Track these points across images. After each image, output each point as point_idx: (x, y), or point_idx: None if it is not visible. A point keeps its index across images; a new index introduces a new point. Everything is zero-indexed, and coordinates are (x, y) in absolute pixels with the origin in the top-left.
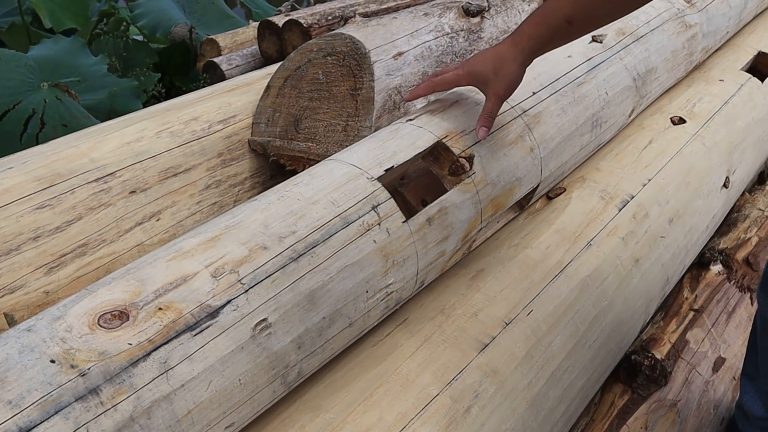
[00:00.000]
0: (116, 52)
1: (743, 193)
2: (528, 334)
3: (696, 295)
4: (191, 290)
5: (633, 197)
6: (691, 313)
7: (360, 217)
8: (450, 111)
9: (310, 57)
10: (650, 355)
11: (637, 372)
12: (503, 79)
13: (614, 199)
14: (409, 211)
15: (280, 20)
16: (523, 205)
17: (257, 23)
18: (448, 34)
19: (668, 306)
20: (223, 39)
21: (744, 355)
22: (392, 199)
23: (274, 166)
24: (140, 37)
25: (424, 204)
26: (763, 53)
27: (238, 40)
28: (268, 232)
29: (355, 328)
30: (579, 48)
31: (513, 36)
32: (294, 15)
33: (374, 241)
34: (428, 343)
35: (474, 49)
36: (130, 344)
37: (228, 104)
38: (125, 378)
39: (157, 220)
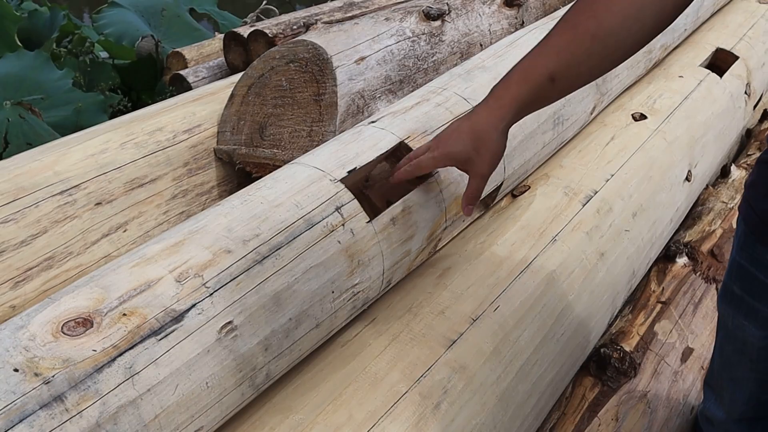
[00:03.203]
0: (80, 67)
1: (707, 186)
2: (495, 329)
3: (663, 288)
4: (155, 295)
5: (596, 192)
6: (659, 306)
7: (324, 219)
8: (412, 112)
9: (273, 64)
10: (619, 347)
11: (606, 365)
12: (486, 155)
13: (578, 194)
14: (374, 212)
15: (245, 31)
16: (488, 203)
17: (223, 35)
18: (409, 38)
19: (636, 300)
20: (189, 51)
21: (711, 347)
22: (356, 200)
23: (240, 174)
24: (105, 54)
25: (389, 205)
26: (722, 49)
27: (204, 53)
28: (231, 236)
29: (322, 329)
30: None
31: (488, 102)
32: (259, 26)
33: (339, 242)
34: (396, 341)
35: (436, 52)
36: (95, 350)
37: (192, 114)
38: (90, 384)
39: (124, 231)
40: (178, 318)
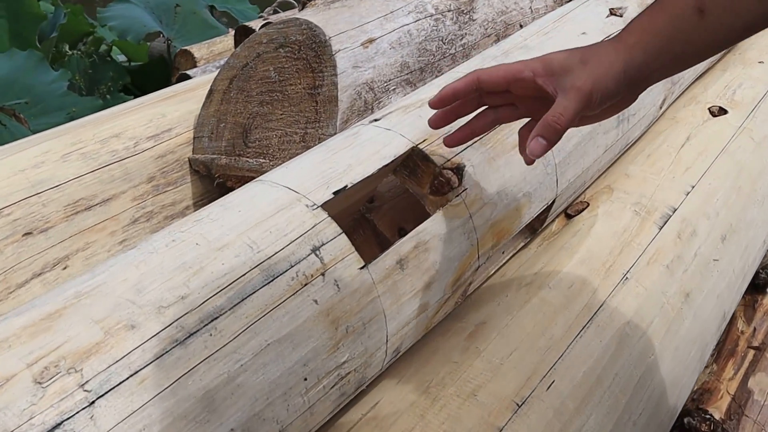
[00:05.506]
0: (81, 69)
1: None
2: (550, 417)
3: (754, 328)
4: None
5: (675, 210)
6: (751, 352)
7: (292, 266)
8: None
9: (260, 51)
10: (708, 416)
11: None
12: (595, 69)
13: (652, 213)
14: (380, 246)
15: (257, 25)
16: (535, 228)
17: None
18: (432, 15)
19: (720, 343)
20: (198, 50)
21: None
22: (344, 235)
23: (220, 191)
24: (122, 57)
25: (403, 235)
26: None
27: (215, 50)
28: (140, 300)
29: None
30: (595, 24)
31: (617, 35)
32: (272, 18)
33: (315, 301)
34: None
35: (465, 33)
36: None
37: (161, 115)
38: None
39: (64, 268)
40: None
